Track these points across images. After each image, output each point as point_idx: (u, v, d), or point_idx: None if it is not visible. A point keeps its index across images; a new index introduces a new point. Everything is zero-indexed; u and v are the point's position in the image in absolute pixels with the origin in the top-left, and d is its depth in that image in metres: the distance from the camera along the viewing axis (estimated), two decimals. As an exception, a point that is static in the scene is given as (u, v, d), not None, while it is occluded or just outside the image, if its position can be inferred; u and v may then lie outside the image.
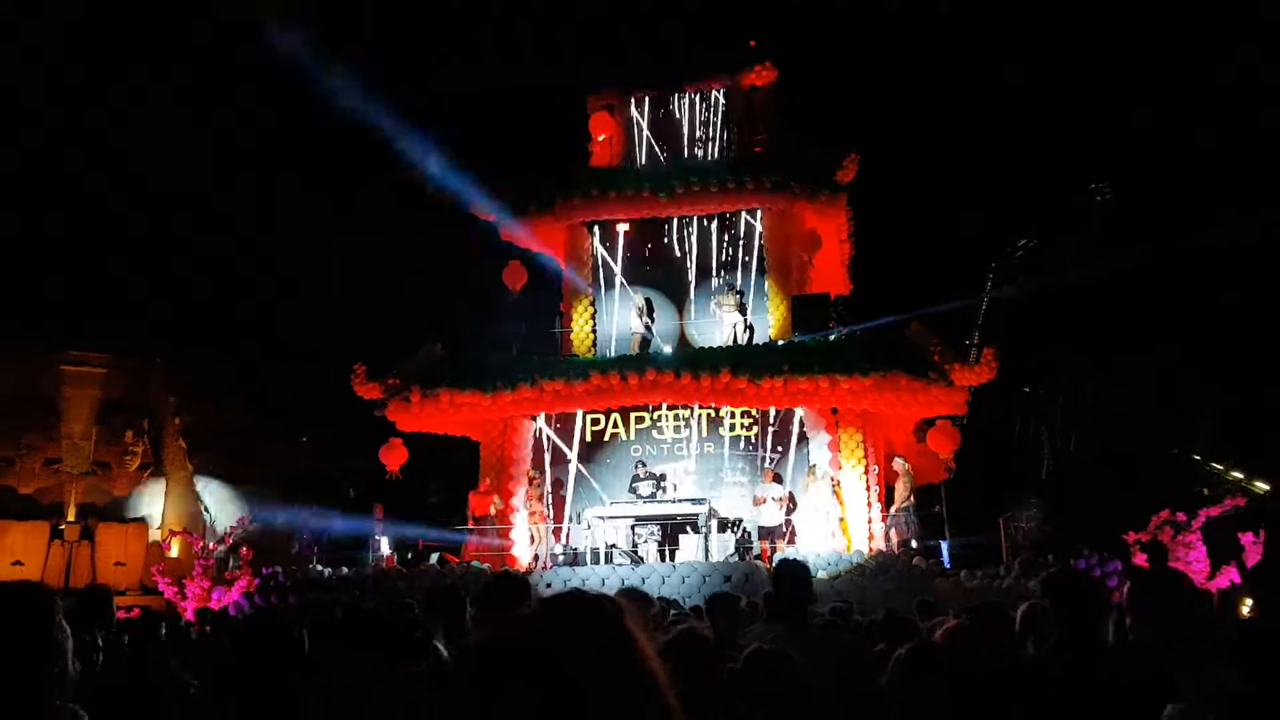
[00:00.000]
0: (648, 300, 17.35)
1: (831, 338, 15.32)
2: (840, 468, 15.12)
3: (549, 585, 12.58)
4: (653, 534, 14.16)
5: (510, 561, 15.10)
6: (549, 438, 16.75)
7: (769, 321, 17.14)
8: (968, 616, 4.15)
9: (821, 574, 13.05)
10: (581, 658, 1.07)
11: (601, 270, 18.34)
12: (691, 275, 18.25)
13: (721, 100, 19.17)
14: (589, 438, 16.87)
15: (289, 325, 23.64)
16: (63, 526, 18.33)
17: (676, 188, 16.80)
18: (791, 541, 14.81)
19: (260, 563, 14.47)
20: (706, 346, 16.09)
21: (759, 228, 18.00)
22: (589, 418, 16.81)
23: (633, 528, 14.31)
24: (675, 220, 18.18)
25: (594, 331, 17.71)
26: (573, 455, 16.64)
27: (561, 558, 14.63)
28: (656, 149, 19.25)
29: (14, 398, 19.29)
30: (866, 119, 25.72)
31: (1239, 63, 22.89)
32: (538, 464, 16.33)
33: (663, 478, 15.56)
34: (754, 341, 16.49)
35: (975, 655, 3.17)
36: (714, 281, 17.91)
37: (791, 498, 15.37)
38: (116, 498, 19.79)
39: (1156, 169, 24.45)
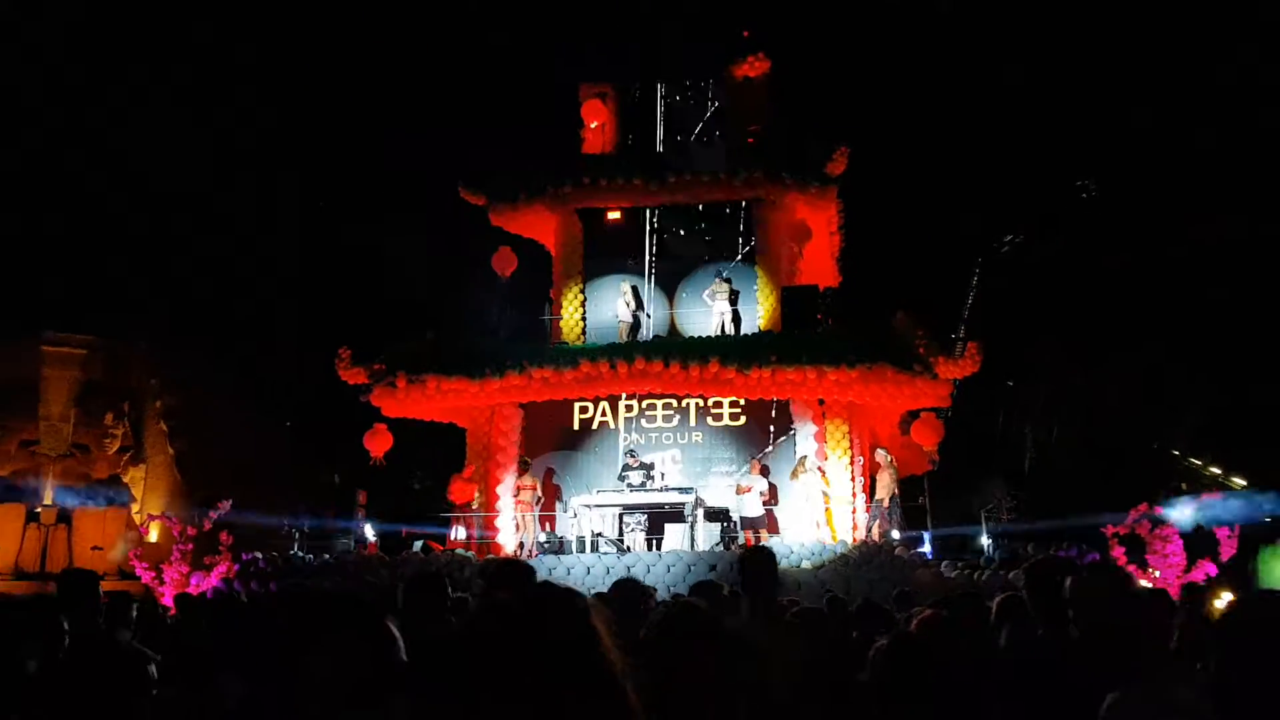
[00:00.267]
0: (634, 289, 17.33)
1: (819, 329, 15.37)
2: (826, 458, 15.20)
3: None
4: (641, 523, 14.19)
5: (496, 550, 15.09)
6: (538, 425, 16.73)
7: (759, 312, 17.16)
8: (944, 607, 4.18)
9: (806, 564, 13.15)
10: (547, 654, 1.08)
11: (592, 258, 18.29)
12: (682, 265, 18.25)
13: (714, 90, 19.13)
14: (577, 425, 16.87)
15: (277, 311, 23.52)
16: (39, 510, 18.13)
17: (668, 177, 16.77)
18: (775, 531, 14.89)
19: (240, 548, 14.38)
20: (696, 336, 16.11)
21: (750, 218, 18.00)
22: (578, 405, 16.80)
23: (620, 516, 14.33)
24: (667, 209, 18.14)
25: (584, 319, 17.68)
26: (563, 442, 16.64)
27: (547, 545, 14.64)
28: (649, 138, 19.17)
29: (-8, 378, 19.04)
30: (858, 112, 25.73)
31: (1239, 63, 23.01)
32: (533, 452, 16.30)
33: (651, 466, 15.59)
34: (741, 331, 16.52)
35: (954, 645, 3.19)
36: (704, 271, 17.91)
37: (773, 489, 15.44)
38: (95, 480, 19.59)
39: (1150, 167, 24.62)
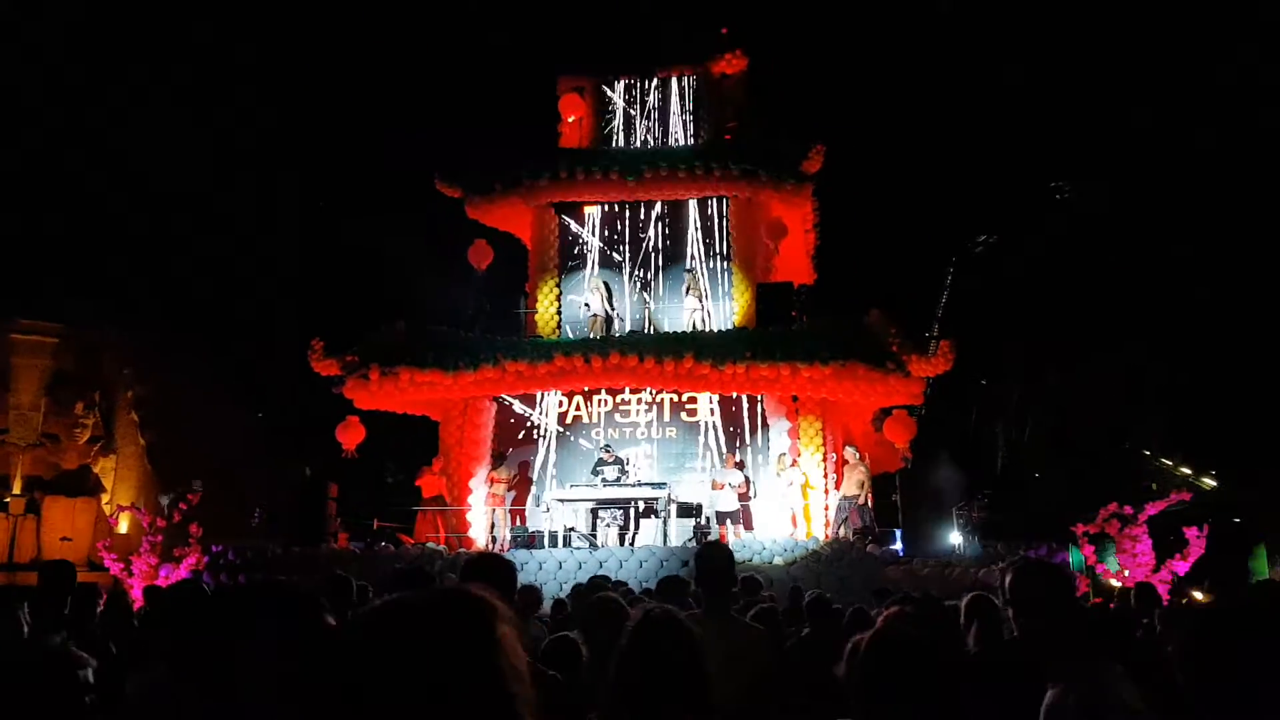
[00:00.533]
0: (606, 284, 17.30)
1: (794, 326, 15.41)
2: (800, 455, 15.25)
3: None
4: (615, 518, 14.16)
5: (468, 544, 15.03)
6: (515, 418, 16.68)
7: (734, 308, 17.18)
8: (909, 604, 4.20)
9: (778, 560, 13.18)
10: (437, 664, 1.01)
11: (567, 252, 18.23)
12: (657, 260, 18.23)
13: (692, 87, 19.11)
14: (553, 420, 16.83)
15: (251, 303, 23.32)
16: (8, 500, 17.86)
17: (645, 172, 16.74)
18: (749, 527, 14.92)
19: (210, 540, 14.23)
20: (671, 331, 16.10)
21: (726, 215, 18.01)
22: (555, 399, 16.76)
23: (594, 511, 14.31)
24: (642, 205, 18.11)
25: (559, 313, 17.63)
26: (541, 436, 16.60)
27: (519, 539, 14.59)
28: (626, 133, 19.15)
29: (-42, 367, 18.71)
30: (834, 110, 25.84)
31: (1239, 63, 23.15)
32: (512, 445, 16.23)
33: (626, 462, 15.57)
34: (710, 327, 16.53)
35: (936, 644, 3.19)
36: (680, 267, 17.91)
37: (747, 484, 15.48)
38: (65, 471, 19.32)
39: (1137, 167, 24.80)
